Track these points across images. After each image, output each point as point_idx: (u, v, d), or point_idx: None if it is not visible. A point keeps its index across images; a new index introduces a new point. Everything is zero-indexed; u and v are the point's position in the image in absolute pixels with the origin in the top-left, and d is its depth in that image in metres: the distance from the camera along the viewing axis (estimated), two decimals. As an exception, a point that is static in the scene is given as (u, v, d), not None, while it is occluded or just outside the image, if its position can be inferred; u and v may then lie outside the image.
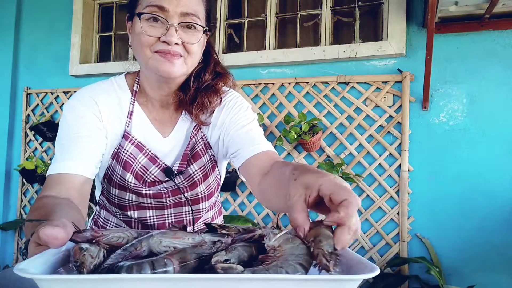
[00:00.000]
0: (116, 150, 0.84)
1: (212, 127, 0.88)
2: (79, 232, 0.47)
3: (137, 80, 0.87)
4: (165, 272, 0.39)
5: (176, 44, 0.74)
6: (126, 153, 0.83)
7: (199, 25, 0.77)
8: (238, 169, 0.82)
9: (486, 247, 1.94)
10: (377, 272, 0.38)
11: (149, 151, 0.85)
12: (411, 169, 2.07)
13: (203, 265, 0.42)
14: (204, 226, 0.51)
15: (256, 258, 0.44)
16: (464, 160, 2.00)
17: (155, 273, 0.39)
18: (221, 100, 0.87)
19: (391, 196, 2.10)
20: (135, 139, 0.84)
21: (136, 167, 0.84)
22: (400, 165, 2.08)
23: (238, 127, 0.84)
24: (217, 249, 0.45)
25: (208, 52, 0.86)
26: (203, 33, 0.79)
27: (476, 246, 1.96)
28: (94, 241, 0.47)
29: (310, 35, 2.48)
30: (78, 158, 0.76)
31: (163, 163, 0.85)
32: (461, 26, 2.01)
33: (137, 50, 0.78)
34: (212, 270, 0.38)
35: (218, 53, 2.68)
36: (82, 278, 0.36)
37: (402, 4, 2.10)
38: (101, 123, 0.82)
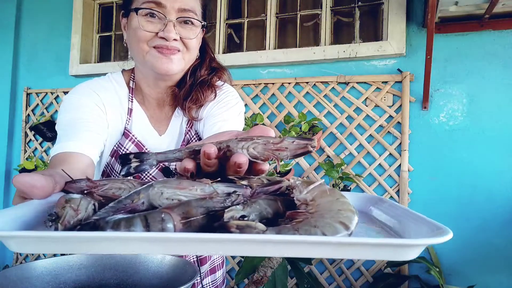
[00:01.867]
0: (115, 147, 0.83)
1: (200, 123, 0.87)
2: (72, 182, 0.40)
3: (132, 77, 0.87)
4: (162, 230, 0.30)
5: (175, 39, 0.74)
6: (125, 152, 0.82)
7: (197, 20, 0.77)
8: None
9: (486, 247, 1.94)
10: (450, 236, 0.29)
11: (148, 151, 0.84)
12: (411, 169, 2.08)
13: (213, 222, 0.32)
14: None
15: (283, 215, 0.35)
16: (464, 160, 2.00)
17: (148, 231, 0.30)
18: (215, 95, 0.86)
19: (391, 196, 2.10)
20: (135, 138, 0.83)
21: None
22: (400, 165, 2.08)
23: (212, 122, 0.82)
24: (232, 203, 0.35)
25: (204, 48, 0.86)
26: (201, 28, 0.79)
27: (476, 246, 1.96)
28: (87, 192, 0.39)
29: (310, 35, 2.48)
30: (84, 139, 0.72)
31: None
32: (461, 26, 2.01)
33: (133, 46, 0.77)
34: (224, 228, 0.30)
35: (218, 53, 2.67)
36: (44, 235, 0.28)
37: (402, 4, 2.10)
38: (105, 114, 0.80)
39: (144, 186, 0.38)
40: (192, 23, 0.77)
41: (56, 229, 0.32)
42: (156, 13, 0.73)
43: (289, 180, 0.39)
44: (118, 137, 0.83)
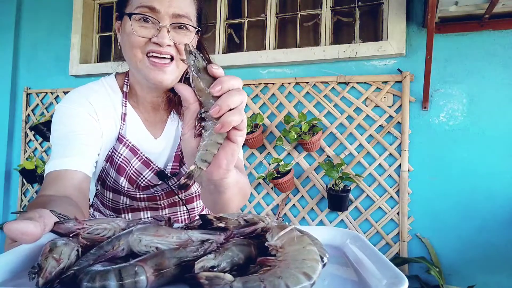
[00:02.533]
0: (110, 153, 0.82)
1: None
2: (60, 222, 0.42)
3: (126, 81, 0.86)
4: (135, 283, 0.33)
5: (168, 45, 0.73)
6: (120, 157, 0.82)
7: (191, 26, 0.76)
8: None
9: (486, 247, 1.94)
10: (405, 286, 0.31)
11: (143, 155, 0.83)
12: (411, 169, 2.07)
13: (185, 272, 0.35)
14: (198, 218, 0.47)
15: (255, 259, 0.38)
16: (464, 160, 2.00)
17: (122, 283, 0.32)
18: None
19: (391, 196, 2.10)
20: (129, 142, 0.82)
21: (130, 171, 0.82)
22: (400, 165, 2.08)
23: None
24: (204, 251, 0.37)
25: (199, 51, 0.85)
26: (195, 34, 0.78)
27: (476, 246, 1.96)
28: (74, 234, 0.41)
29: (310, 35, 2.48)
30: (77, 155, 0.73)
31: (156, 166, 0.84)
32: (461, 26, 2.01)
33: (127, 51, 0.76)
34: (194, 280, 0.32)
35: (218, 53, 2.67)
36: None
37: (402, 4, 2.10)
38: (97, 123, 0.80)
39: (124, 232, 0.41)
40: (187, 29, 0.76)
41: (37, 283, 0.34)
42: (150, 18, 0.72)
43: (264, 222, 0.42)
44: (112, 142, 0.83)
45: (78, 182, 0.71)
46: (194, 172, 0.45)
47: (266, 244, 0.39)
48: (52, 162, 0.72)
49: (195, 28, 0.77)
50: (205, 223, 0.44)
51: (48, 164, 0.72)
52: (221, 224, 0.43)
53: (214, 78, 0.46)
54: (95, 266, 0.35)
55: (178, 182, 0.44)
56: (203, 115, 0.45)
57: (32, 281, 0.34)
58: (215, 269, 0.35)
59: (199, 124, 0.46)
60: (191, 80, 0.46)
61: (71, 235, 0.42)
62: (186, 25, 0.75)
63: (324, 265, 0.38)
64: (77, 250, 0.39)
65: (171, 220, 0.46)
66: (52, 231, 0.41)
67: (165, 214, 0.90)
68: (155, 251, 0.38)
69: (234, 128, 0.46)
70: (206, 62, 0.46)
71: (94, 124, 0.79)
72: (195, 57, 0.46)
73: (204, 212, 0.97)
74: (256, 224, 0.42)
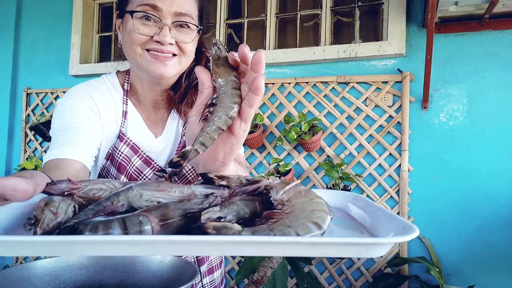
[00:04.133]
0: (110, 150, 0.82)
1: None
2: (53, 183, 0.40)
3: (127, 79, 0.86)
4: (140, 232, 0.31)
5: (170, 44, 0.73)
6: (120, 155, 0.81)
7: (193, 25, 0.76)
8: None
9: (486, 247, 1.94)
10: (416, 233, 0.29)
11: (144, 153, 0.83)
12: (411, 169, 2.08)
13: (190, 223, 0.33)
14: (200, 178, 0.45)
15: (261, 214, 0.36)
16: (464, 160, 2.00)
17: (126, 233, 0.30)
18: None
19: (391, 196, 2.10)
20: (130, 140, 0.82)
21: (130, 170, 0.82)
22: (400, 165, 2.08)
23: None
24: (209, 204, 0.36)
25: (200, 49, 0.85)
26: (197, 32, 0.78)
27: (476, 246, 1.96)
28: (68, 194, 0.39)
29: (310, 35, 2.48)
30: (76, 145, 0.72)
31: (157, 165, 0.84)
32: (461, 26, 2.01)
33: (127, 48, 0.76)
34: (201, 230, 0.30)
35: (210, 64, 2.69)
36: (19, 240, 0.27)
37: (402, 4, 2.10)
38: (98, 117, 0.79)
39: (123, 188, 0.38)
40: (189, 27, 0.76)
41: (35, 233, 0.32)
42: (151, 17, 0.72)
43: (267, 179, 0.40)
44: (113, 140, 0.82)
45: (76, 172, 0.69)
46: (189, 153, 0.43)
47: (271, 199, 0.37)
48: (51, 151, 0.71)
49: (197, 26, 0.77)
50: (207, 182, 0.43)
51: (47, 154, 0.71)
52: (223, 182, 0.41)
53: (234, 67, 0.46)
54: (96, 219, 0.33)
55: (170, 160, 0.42)
56: (214, 101, 0.45)
57: (28, 232, 0.32)
58: (222, 220, 0.33)
59: (208, 109, 0.45)
60: (210, 67, 0.46)
61: (65, 195, 0.40)
62: (188, 24, 0.75)
63: (331, 219, 0.37)
64: (74, 207, 0.37)
65: (171, 177, 0.44)
66: (44, 192, 0.39)
67: None
68: None
69: (239, 117, 0.45)
70: (228, 52, 0.47)
71: (95, 118, 0.79)
72: (219, 48, 0.47)
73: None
74: (259, 182, 0.40)
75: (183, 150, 0.43)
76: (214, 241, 0.28)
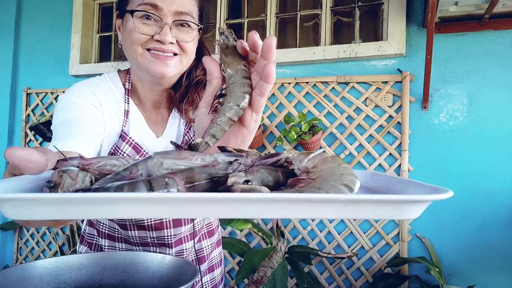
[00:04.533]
0: (112, 150, 0.81)
1: None
2: (64, 160, 0.38)
3: (128, 78, 0.86)
4: None
5: (171, 43, 0.73)
6: (122, 155, 0.81)
7: (194, 24, 0.76)
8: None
9: (486, 247, 1.94)
10: (451, 193, 0.29)
11: (146, 153, 0.83)
12: (411, 169, 2.07)
13: (216, 187, 0.33)
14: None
15: (285, 184, 0.35)
16: (464, 160, 2.00)
17: None
18: None
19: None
20: (133, 140, 0.82)
21: None
22: (400, 165, 2.08)
23: None
24: (234, 170, 0.35)
25: (200, 48, 0.85)
26: (198, 31, 0.78)
27: (476, 246, 1.96)
28: (82, 168, 0.38)
29: (310, 35, 2.48)
30: (79, 139, 0.70)
31: None
32: (461, 26, 2.01)
33: (128, 48, 0.75)
34: (229, 192, 0.30)
35: (218, 53, 2.68)
36: (54, 197, 0.26)
37: (402, 4, 2.10)
38: (101, 114, 0.79)
39: (142, 159, 0.37)
40: (189, 26, 0.75)
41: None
42: (152, 16, 0.72)
43: (288, 153, 0.39)
44: (115, 139, 0.82)
45: None
46: (199, 146, 0.41)
47: (296, 168, 0.36)
48: (54, 144, 0.69)
49: (198, 25, 0.77)
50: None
51: (49, 147, 0.70)
52: (243, 154, 0.40)
53: (243, 56, 0.45)
54: (119, 182, 0.32)
55: (177, 145, 0.41)
56: (223, 91, 0.44)
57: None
58: (249, 183, 0.32)
59: (217, 100, 0.44)
60: (219, 56, 0.45)
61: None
62: (189, 23, 0.75)
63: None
64: (91, 177, 0.35)
65: (192, 147, 0.42)
66: (55, 168, 0.37)
67: None
68: None
69: (250, 107, 0.44)
70: (236, 40, 0.46)
71: (97, 114, 0.78)
72: (226, 37, 0.46)
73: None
74: (279, 154, 0.39)
75: (192, 142, 0.41)
76: (246, 198, 0.26)
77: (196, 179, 0.32)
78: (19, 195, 0.26)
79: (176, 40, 0.74)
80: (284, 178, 0.36)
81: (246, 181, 0.32)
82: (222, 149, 0.42)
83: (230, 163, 0.36)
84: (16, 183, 0.33)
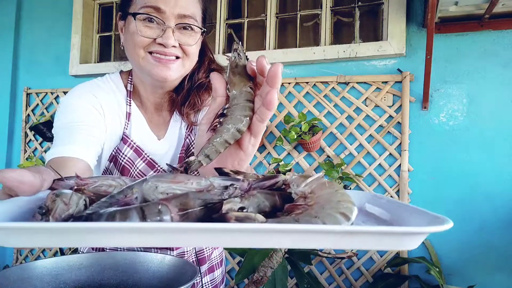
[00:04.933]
0: (113, 153, 0.81)
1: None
2: (60, 179, 0.38)
3: (130, 80, 0.85)
4: (160, 221, 0.29)
5: (173, 46, 0.72)
6: (124, 158, 0.81)
7: (197, 27, 0.75)
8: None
9: (486, 247, 1.94)
10: (450, 224, 0.29)
11: (148, 156, 0.83)
12: (411, 169, 2.08)
13: (211, 214, 0.32)
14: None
15: (281, 209, 0.34)
16: (464, 160, 2.00)
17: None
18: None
19: (391, 196, 2.10)
20: (134, 143, 0.82)
21: (134, 173, 0.82)
22: (400, 165, 2.08)
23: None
24: (229, 195, 0.34)
25: (203, 50, 0.85)
26: (201, 34, 0.77)
27: (476, 246, 1.96)
28: (77, 189, 0.37)
29: (310, 35, 2.48)
30: (80, 144, 0.70)
31: (161, 168, 0.83)
32: (461, 26, 2.01)
33: (130, 50, 0.75)
34: (223, 220, 0.29)
35: (218, 53, 2.67)
36: (33, 226, 0.26)
37: (402, 4, 2.10)
38: (102, 117, 0.79)
39: (137, 181, 0.37)
40: (192, 29, 0.75)
41: (47, 221, 0.31)
42: (154, 19, 0.71)
43: (285, 175, 0.39)
44: (116, 141, 0.82)
45: (80, 171, 0.68)
46: (192, 164, 0.41)
47: (293, 192, 0.35)
48: (54, 149, 0.70)
49: (201, 28, 0.76)
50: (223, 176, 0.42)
51: (50, 151, 0.70)
52: (239, 177, 0.39)
53: (250, 77, 0.44)
54: (111, 208, 0.32)
55: (173, 167, 0.41)
56: (225, 111, 0.43)
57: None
58: (244, 210, 0.32)
59: (218, 119, 0.44)
60: (227, 73, 0.44)
61: (74, 191, 0.38)
62: (192, 26, 0.74)
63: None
64: (85, 200, 0.35)
65: (187, 169, 0.42)
66: (51, 188, 0.37)
67: None
68: None
69: (249, 131, 0.44)
70: (248, 60, 0.45)
71: (98, 117, 0.78)
72: (239, 55, 0.44)
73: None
74: (277, 176, 0.38)
75: (186, 160, 0.42)
76: (239, 228, 0.26)
77: (190, 205, 0.31)
78: (5, 224, 0.26)
79: (179, 43, 0.74)
80: (281, 202, 0.35)
81: (241, 208, 0.32)
82: (219, 171, 0.42)
83: (226, 187, 0.35)
84: (7, 207, 0.33)
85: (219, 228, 0.26)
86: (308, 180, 0.35)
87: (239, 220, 0.29)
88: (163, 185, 0.35)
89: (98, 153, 0.77)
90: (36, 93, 2.98)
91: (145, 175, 0.82)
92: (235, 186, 0.35)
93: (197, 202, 0.32)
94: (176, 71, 0.75)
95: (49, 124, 2.83)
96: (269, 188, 0.38)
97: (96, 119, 0.77)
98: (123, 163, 0.81)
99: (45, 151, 2.92)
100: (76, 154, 0.68)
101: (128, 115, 0.83)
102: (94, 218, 0.29)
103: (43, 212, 0.31)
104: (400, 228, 0.27)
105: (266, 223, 0.29)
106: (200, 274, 0.93)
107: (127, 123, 0.82)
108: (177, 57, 0.75)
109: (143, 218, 0.29)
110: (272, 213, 0.34)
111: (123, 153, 0.81)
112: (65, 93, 2.86)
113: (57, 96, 2.90)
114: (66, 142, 0.70)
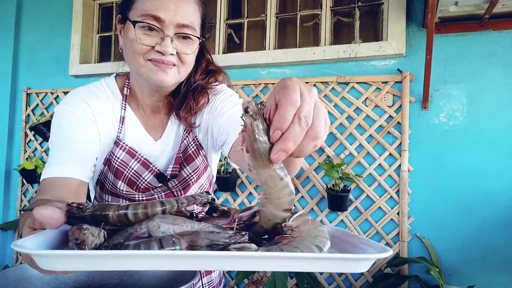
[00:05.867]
0: (108, 156, 0.83)
1: (200, 129, 0.87)
2: (71, 208, 0.46)
3: (127, 83, 0.86)
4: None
5: (171, 54, 0.73)
6: (117, 160, 0.82)
7: (196, 36, 0.76)
8: (228, 156, 0.79)
9: (486, 247, 1.94)
10: (390, 253, 0.37)
11: (141, 156, 0.83)
12: (411, 169, 2.07)
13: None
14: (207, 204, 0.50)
15: (270, 235, 0.45)
16: (464, 160, 2.00)
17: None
18: (208, 99, 0.85)
19: (391, 196, 2.10)
20: (126, 145, 0.83)
21: (128, 174, 0.83)
22: (400, 165, 2.08)
23: (223, 114, 0.81)
24: (236, 241, 0.41)
25: (201, 52, 0.85)
26: (199, 43, 0.78)
27: (476, 246, 1.96)
28: (84, 216, 0.45)
29: (310, 35, 2.48)
30: (73, 162, 0.73)
31: (156, 168, 0.84)
32: (461, 26, 2.01)
33: (129, 57, 0.76)
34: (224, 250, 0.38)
35: (218, 53, 2.66)
36: (89, 254, 0.34)
37: (402, 4, 2.10)
38: (95, 126, 0.80)
39: (146, 221, 0.46)
40: (190, 38, 0.76)
41: (83, 250, 0.38)
42: (154, 27, 0.72)
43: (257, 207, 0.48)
44: (110, 145, 0.83)
45: (74, 189, 0.71)
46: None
47: (283, 225, 0.44)
48: (49, 169, 0.72)
49: (199, 38, 0.77)
50: (212, 208, 0.52)
51: (45, 170, 0.73)
52: (224, 208, 0.51)
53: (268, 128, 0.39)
54: (134, 241, 0.41)
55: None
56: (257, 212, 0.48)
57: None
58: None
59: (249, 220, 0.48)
60: (243, 149, 0.40)
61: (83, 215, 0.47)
62: (190, 35, 0.75)
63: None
64: (104, 232, 0.44)
65: (193, 215, 0.52)
66: (67, 222, 0.45)
67: None
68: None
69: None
70: (267, 125, 0.38)
71: (92, 128, 0.79)
72: (253, 117, 0.38)
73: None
74: (252, 208, 0.48)
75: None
76: (238, 256, 0.35)
77: (198, 243, 0.40)
78: (60, 253, 0.34)
79: (176, 52, 0.75)
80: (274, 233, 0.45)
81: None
82: (211, 205, 0.51)
83: (235, 234, 0.42)
84: (45, 236, 0.42)
85: (221, 255, 0.35)
86: (294, 216, 0.45)
87: (237, 249, 0.38)
88: (164, 225, 0.44)
89: (93, 164, 0.79)
90: (36, 93, 2.98)
91: (141, 176, 0.83)
92: (243, 233, 0.42)
93: (205, 241, 0.40)
94: (172, 76, 0.76)
95: (49, 124, 2.82)
96: (251, 217, 0.46)
97: (91, 130, 0.79)
98: (116, 165, 0.82)
99: (45, 151, 2.92)
100: (70, 174, 0.72)
101: (122, 120, 0.84)
102: (123, 248, 0.39)
103: (78, 243, 0.39)
104: (351, 255, 0.37)
105: (257, 251, 0.37)
106: (200, 274, 0.93)
107: (121, 128, 0.83)
108: (174, 65, 0.76)
109: (161, 247, 0.38)
110: (260, 241, 0.44)
111: (116, 156, 0.82)
112: (65, 93, 2.86)
113: (57, 96, 2.90)
114: (61, 162, 0.73)
